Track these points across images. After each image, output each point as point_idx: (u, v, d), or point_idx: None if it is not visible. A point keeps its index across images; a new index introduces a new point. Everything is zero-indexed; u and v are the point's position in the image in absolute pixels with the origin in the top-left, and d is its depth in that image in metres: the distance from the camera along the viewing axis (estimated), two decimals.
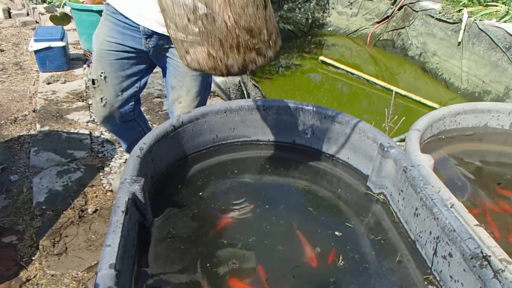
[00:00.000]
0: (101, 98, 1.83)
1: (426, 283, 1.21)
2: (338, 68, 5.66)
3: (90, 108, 3.33)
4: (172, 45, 1.65)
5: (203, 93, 1.87)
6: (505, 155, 1.86)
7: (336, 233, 1.39)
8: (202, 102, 1.88)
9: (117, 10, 1.63)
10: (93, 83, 1.80)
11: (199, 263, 1.24)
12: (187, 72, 1.76)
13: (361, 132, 1.63)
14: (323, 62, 5.81)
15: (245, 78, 4.38)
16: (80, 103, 3.35)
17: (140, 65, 1.79)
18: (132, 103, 1.90)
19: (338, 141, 1.72)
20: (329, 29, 7.04)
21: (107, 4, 1.68)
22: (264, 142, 1.83)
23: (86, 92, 3.54)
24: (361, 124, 1.64)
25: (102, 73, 1.76)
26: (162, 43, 1.69)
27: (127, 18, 1.62)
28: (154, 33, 1.64)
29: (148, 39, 1.67)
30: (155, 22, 1.59)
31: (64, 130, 2.96)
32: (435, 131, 1.78)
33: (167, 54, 1.75)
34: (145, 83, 1.91)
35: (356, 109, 4.86)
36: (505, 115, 1.88)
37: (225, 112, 1.72)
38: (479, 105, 1.88)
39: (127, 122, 1.98)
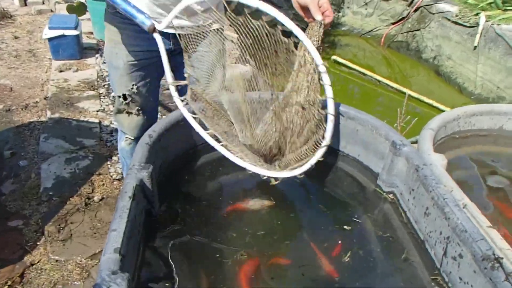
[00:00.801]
0: (138, 110, 1.78)
1: (433, 284, 1.18)
2: (351, 68, 5.62)
3: (101, 97, 3.34)
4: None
5: None
6: None
7: (344, 228, 1.36)
8: None
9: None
10: (125, 98, 1.74)
11: (205, 254, 1.23)
12: None
13: (373, 129, 1.60)
14: (335, 61, 5.77)
15: (256, 74, 4.36)
16: (91, 92, 3.36)
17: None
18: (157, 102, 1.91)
19: (349, 137, 1.69)
20: (343, 28, 6.98)
21: (115, 13, 1.63)
22: None
23: (98, 82, 3.55)
24: (374, 121, 1.61)
25: (133, 85, 1.72)
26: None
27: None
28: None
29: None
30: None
31: (74, 118, 2.97)
32: (449, 132, 1.75)
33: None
34: None
35: (367, 109, 4.79)
36: None
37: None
38: (495, 107, 1.85)
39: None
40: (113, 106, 3.22)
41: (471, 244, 1.06)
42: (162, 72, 1.78)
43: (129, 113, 1.78)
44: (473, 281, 1.05)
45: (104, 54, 1.75)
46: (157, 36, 1.45)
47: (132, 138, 1.86)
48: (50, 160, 2.50)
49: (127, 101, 1.75)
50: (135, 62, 1.69)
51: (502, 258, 1.01)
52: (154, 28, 1.42)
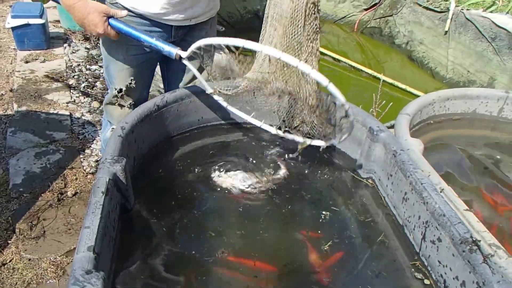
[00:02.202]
0: (130, 104, 1.78)
1: (413, 269, 1.19)
2: (324, 54, 5.62)
3: (71, 88, 3.22)
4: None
5: None
6: (492, 141, 1.86)
7: (324, 215, 1.36)
8: None
9: (137, 10, 1.57)
10: (119, 91, 1.75)
11: (183, 248, 1.20)
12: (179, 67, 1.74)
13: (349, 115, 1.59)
14: None
15: (232, 61, 4.30)
16: (60, 84, 3.24)
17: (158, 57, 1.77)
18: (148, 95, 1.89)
19: None
20: None
21: (115, 3, 1.59)
22: (251, 124, 1.78)
23: (67, 72, 3.43)
24: (350, 107, 1.60)
25: (132, 79, 1.72)
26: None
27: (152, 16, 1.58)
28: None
29: (179, 29, 1.67)
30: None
31: (43, 111, 2.86)
32: (424, 116, 1.76)
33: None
34: None
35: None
36: (493, 101, 1.87)
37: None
38: (468, 91, 1.87)
39: None
40: (85, 97, 3.13)
41: (449, 228, 1.07)
42: (156, 66, 1.82)
43: (121, 106, 1.79)
44: (452, 264, 1.06)
45: (101, 46, 1.72)
46: (186, 63, 1.50)
47: None
48: (19, 155, 2.40)
49: (121, 94, 1.75)
50: (135, 56, 1.68)
51: (479, 241, 1.02)
52: (180, 57, 1.47)
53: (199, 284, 1.09)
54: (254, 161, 1.58)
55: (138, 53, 1.68)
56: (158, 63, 1.87)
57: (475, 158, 1.70)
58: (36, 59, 3.54)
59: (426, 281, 1.14)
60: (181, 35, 1.70)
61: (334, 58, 5.51)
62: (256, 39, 1.43)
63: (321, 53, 5.66)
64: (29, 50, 3.65)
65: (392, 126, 1.79)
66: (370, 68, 5.26)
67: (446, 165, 1.63)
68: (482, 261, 0.97)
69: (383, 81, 4.47)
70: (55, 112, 2.86)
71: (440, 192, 1.20)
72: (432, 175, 1.26)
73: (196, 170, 1.51)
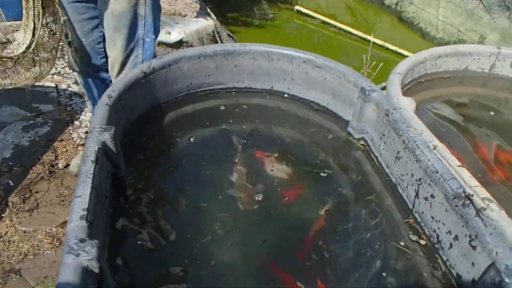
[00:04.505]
0: (69, 42, 1.75)
1: (407, 226, 1.20)
2: (314, 18, 5.52)
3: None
4: None
5: (132, 48, 1.71)
6: (484, 98, 1.85)
7: (319, 176, 1.36)
8: (134, 60, 1.74)
9: None
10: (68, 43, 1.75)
11: (174, 214, 1.20)
12: (110, 23, 1.65)
13: (341, 76, 1.57)
14: (298, 12, 5.64)
15: (219, 27, 4.21)
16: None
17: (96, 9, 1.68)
18: (102, 52, 1.79)
19: (318, 86, 1.66)
20: None
21: None
22: (241, 89, 1.75)
23: None
24: (341, 68, 1.58)
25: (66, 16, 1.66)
26: None
27: None
28: None
29: None
30: None
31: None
32: (416, 75, 1.74)
33: None
34: None
35: (332, 58, 4.78)
36: (485, 57, 1.85)
37: (199, 58, 1.63)
38: (460, 48, 1.85)
39: (99, 75, 1.87)
40: (69, 68, 3.04)
41: (443, 184, 1.07)
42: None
43: (64, 42, 1.79)
44: (445, 219, 1.07)
45: None
46: None
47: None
48: (6, 129, 2.36)
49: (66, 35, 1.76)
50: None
51: (472, 195, 1.03)
52: None
53: (191, 253, 1.09)
54: (244, 126, 1.57)
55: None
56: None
57: (467, 115, 1.70)
58: (17, 30, 3.42)
59: (422, 242, 1.15)
60: None
61: (323, 21, 5.41)
62: None
63: (311, 16, 5.58)
64: (9, 21, 3.52)
65: (384, 88, 1.77)
66: (360, 30, 5.19)
67: (439, 123, 1.63)
68: (474, 215, 0.98)
69: (374, 43, 4.41)
70: (40, 84, 2.80)
71: (433, 149, 1.20)
72: (424, 133, 1.26)
73: (187, 136, 1.49)
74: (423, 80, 1.80)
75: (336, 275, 1.06)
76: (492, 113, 1.76)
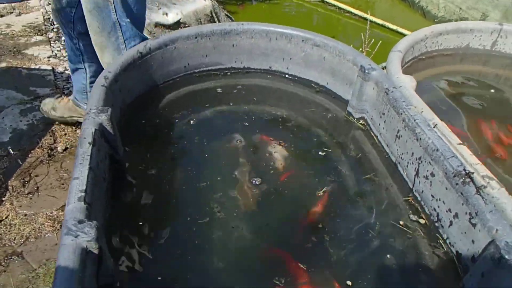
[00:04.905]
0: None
1: (407, 205, 1.20)
2: None
3: (51, 42, 3.10)
4: None
5: (109, 31, 1.66)
6: (485, 76, 1.83)
7: (319, 155, 1.35)
8: (116, 42, 1.68)
9: None
10: None
11: (173, 196, 1.19)
12: (84, 4, 1.60)
13: (340, 54, 1.55)
14: None
15: (217, 8, 4.15)
16: (39, 37, 3.11)
17: None
18: (73, 9, 1.73)
19: (317, 66, 1.64)
20: None
21: None
22: (239, 70, 1.73)
23: (45, 25, 3.28)
24: (341, 46, 1.56)
25: None
26: None
27: None
28: None
29: None
30: None
31: (24, 66, 2.76)
32: (416, 53, 1.72)
33: None
34: None
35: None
36: (487, 34, 1.82)
37: (196, 37, 1.60)
38: (462, 25, 1.82)
39: (68, 33, 1.82)
40: (65, 51, 3.01)
41: (443, 162, 1.07)
42: None
43: None
44: (445, 198, 1.07)
45: None
46: None
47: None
48: (3, 113, 2.34)
49: None
50: None
51: (472, 173, 1.02)
52: None
53: (190, 234, 1.09)
54: (242, 107, 1.55)
55: None
56: None
57: (468, 93, 1.68)
58: (11, 13, 3.37)
59: (422, 221, 1.15)
60: None
61: (322, 1, 5.33)
62: None
63: None
64: (3, 4, 3.46)
65: (384, 69, 1.74)
66: (359, 9, 5.11)
67: (439, 101, 1.61)
68: (475, 192, 0.98)
69: (374, 22, 4.35)
70: (37, 67, 2.77)
71: (433, 127, 1.18)
72: (425, 111, 1.25)
73: (185, 118, 1.48)
74: (423, 58, 1.77)
75: (336, 256, 1.06)
76: (492, 90, 1.75)
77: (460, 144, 1.13)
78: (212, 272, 0.99)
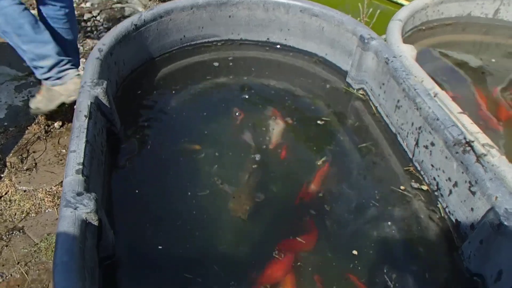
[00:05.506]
0: None
1: (407, 175, 1.20)
2: None
3: None
4: None
5: None
6: (487, 45, 1.80)
7: (317, 125, 1.34)
8: None
9: None
10: None
11: (172, 168, 1.19)
12: None
13: (339, 24, 1.51)
14: None
15: None
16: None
17: None
18: None
19: (315, 36, 1.61)
20: None
21: None
22: (236, 42, 1.70)
23: None
24: (340, 16, 1.52)
25: None
26: None
27: None
28: None
29: None
30: None
31: None
32: (417, 22, 1.68)
33: None
34: None
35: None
36: (489, 2, 1.78)
37: (191, 9, 1.56)
38: None
39: None
40: None
41: (443, 131, 1.06)
42: None
43: None
44: (445, 167, 1.07)
45: None
46: None
47: None
48: None
49: None
50: None
51: (473, 142, 1.01)
52: None
53: (190, 204, 1.09)
54: (240, 80, 1.53)
55: None
56: None
57: (469, 62, 1.66)
58: None
59: (422, 188, 1.15)
60: None
61: None
62: None
63: None
64: None
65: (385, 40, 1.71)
66: None
67: (440, 71, 1.59)
68: (475, 161, 0.97)
69: None
70: None
71: (434, 97, 1.17)
72: (425, 80, 1.23)
73: (182, 91, 1.46)
74: (424, 28, 1.74)
75: (337, 226, 1.06)
76: (493, 60, 1.72)
77: (460, 113, 1.12)
78: (212, 242, 1.00)
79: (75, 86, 1.46)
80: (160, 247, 0.96)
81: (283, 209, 1.11)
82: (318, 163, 1.22)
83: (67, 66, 1.48)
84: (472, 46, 1.78)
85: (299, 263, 0.97)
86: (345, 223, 1.06)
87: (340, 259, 0.98)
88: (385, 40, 1.51)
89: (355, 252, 1.00)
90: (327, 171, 1.20)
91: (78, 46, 1.90)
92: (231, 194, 1.11)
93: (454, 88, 1.49)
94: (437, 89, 1.20)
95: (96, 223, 0.81)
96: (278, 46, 1.69)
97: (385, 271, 0.96)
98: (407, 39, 1.63)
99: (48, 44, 1.54)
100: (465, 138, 1.02)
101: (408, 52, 1.36)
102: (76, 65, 1.60)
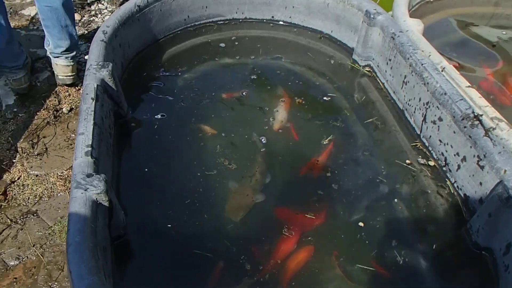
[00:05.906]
0: None
1: (414, 150, 1.20)
2: None
3: None
4: None
5: None
6: (496, 17, 1.76)
7: (324, 101, 1.34)
8: None
9: None
10: None
11: (180, 149, 1.20)
12: None
13: (344, 0, 1.49)
14: None
15: None
16: None
17: None
18: None
19: (320, 13, 1.59)
20: None
21: None
22: (240, 21, 1.68)
23: None
24: None
25: None
26: None
27: None
28: None
29: None
30: None
31: (22, 27, 2.71)
32: None
33: None
34: None
35: None
36: None
37: None
38: None
39: None
40: None
41: (451, 106, 1.05)
42: None
43: None
44: (453, 141, 1.06)
45: None
46: None
47: None
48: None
49: None
50: None
51: (481, 115, 1.01)
52: None
53: (199, 183, 1.10)
54: (246, 59, 1.52)
55: None
56: None
57: (479, 35, 1.63)
58: None
59: (430, 164, 1.15)
60: None
61: None
62: None
63: None
64: None
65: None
66: None
67: (448, 45, 1.56)
68: (483, 134, 0.96)
69: None
70: (35, 28, 2.71)
71: (441, 71, 1.16)
72: (432, 55, 1.21)
73: (187, 72, 1.46)
74: (431, 1, 1.70)
75: (346, 200, 1.06)
76: (504, 32, 1.68)
77: (468, 86, 1.11)
78: (221, 220, 1.01)
79: None
80: (169, 225, 0.98)
81: (291, 186, 1.12)
82: (325, 142, 1.22)
83: None
84: (481, 18, 1.75)
85: (309, 238, 0.98)
86: (352, 198, 1.07)
87: (347, 233, 0.99)
88: (392, 16, 1.49)
89: (361, 224, 1.01)
90: (334, 148, 1.20)
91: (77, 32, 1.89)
92: (239, 175, 1.12)
93: (462, 62, 1.47)
94: (445, 63, 1.18)
95: (106, 203, 0.82)
96: (282, 23, 1.67)
97: (393, 245, 0.97)
98: (414, 13, 1.60)
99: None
100: (473, 112, 1.01)
101: (414, 27, 1.34)
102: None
